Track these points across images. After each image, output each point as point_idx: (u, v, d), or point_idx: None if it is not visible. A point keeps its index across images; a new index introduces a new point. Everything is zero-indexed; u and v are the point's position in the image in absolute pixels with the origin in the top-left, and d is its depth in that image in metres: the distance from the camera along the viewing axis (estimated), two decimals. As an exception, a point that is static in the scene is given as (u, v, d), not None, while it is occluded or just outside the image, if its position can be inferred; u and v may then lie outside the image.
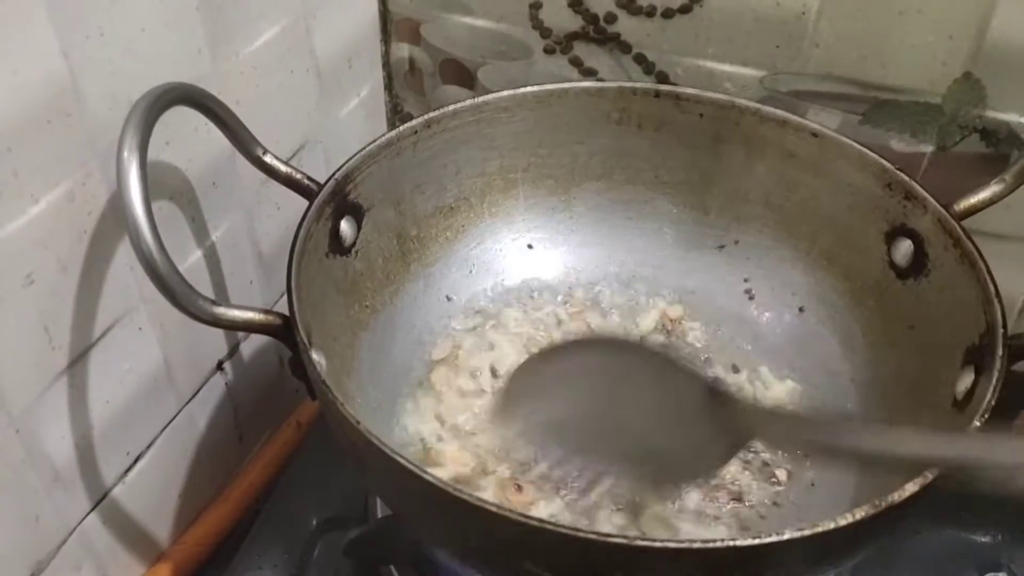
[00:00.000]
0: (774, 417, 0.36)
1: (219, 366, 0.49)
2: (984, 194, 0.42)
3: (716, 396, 0.36)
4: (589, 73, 0.56)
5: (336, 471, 0.50)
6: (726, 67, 0.53)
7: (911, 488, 0.29)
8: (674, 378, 0.37)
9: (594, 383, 0.39)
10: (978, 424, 0.32)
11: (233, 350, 0.50)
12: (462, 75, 0.59)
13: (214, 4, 0.41)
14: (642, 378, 0.38)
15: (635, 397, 0.38)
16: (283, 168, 0.42)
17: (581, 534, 0.28)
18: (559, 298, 0.51)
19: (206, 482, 0.50)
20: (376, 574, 0.43)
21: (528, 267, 0.52)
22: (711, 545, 0.28)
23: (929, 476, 0.30)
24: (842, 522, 0.28)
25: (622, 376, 0.39)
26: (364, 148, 0.44)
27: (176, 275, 0.33)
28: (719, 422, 0.35)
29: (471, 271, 0.50)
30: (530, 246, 0.52)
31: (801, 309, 0.48)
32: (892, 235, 0.44)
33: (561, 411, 0.39)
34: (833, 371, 0.46)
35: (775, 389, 0.46)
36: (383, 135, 0.44)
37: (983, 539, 0.47)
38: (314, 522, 0.48)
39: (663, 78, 0.54)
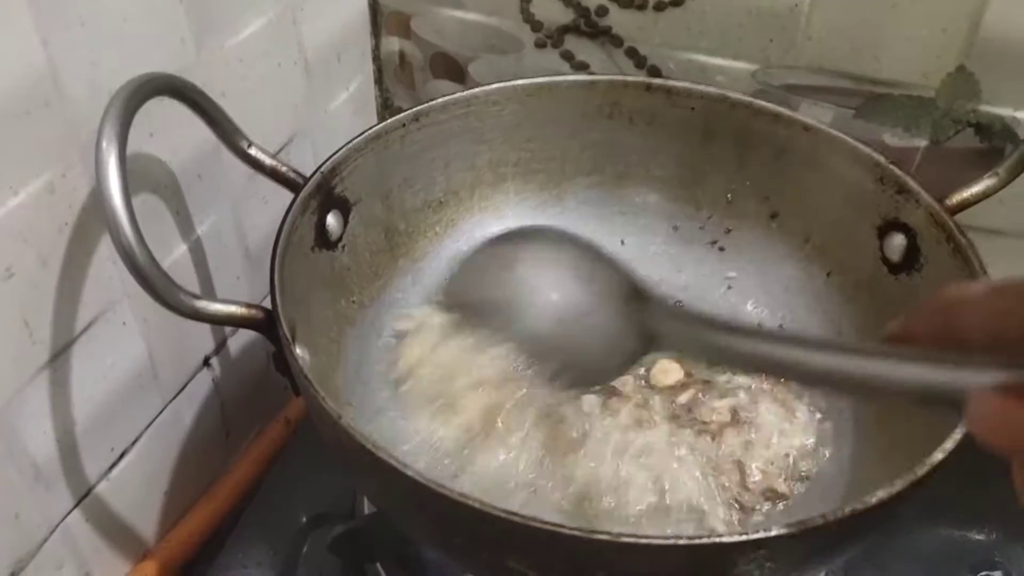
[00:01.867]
0: (683, 318, 0.34)
1: (206, 362, 0.48)
2: (977, 188, 0.41)
3: (637, 293, 0.36)
4: (581, 67, 0.55)
5: (325, 468, 0.49)
6: (718, 61, 0.52)
7: (900, 485, 0.29)
8: (602, 273, 0.38)
9: (526, 274, 0.40)
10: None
11: (220, 346, 0.49)
12: (452, 69, 0.58)
13: (199, -7, 0.41)
14: (572, 272, 0.39)
15: (562, 290, 0.39)
16: (268, 161, 0.41)
17: (565, 531, 0.27)
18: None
19: (192, 479, 0.50)
20: (362, 571, 0.43)
21: (518, 262, 0.51)
22: (697, 541, 0.28)
23: (919, 473, 0.29)
24: (831, 518, 0.28)
25: (554, 268, 0.40)
26: (351, 141, 0.43)
27: (156, 268, 0.33)
28: (634, 321, 0.35)
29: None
30: (520, 241, 0.51)
31: (793, 304, 0.48)
32: (885, 229, 0.43)
33: (493, 298, 0.41)
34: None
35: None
36: (370, 128, 0.44)
37: (977, 537, 0.47)
38: (303, 519, 0.48)
39: (655, 72, 0.54)
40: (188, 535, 0.49)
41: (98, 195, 0.32)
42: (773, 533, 0.27)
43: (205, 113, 0.39)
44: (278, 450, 0.53)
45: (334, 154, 0.42)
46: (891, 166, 0.42)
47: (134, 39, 0.38)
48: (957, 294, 0.24)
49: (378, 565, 0.42)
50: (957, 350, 0.24)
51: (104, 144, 0.32)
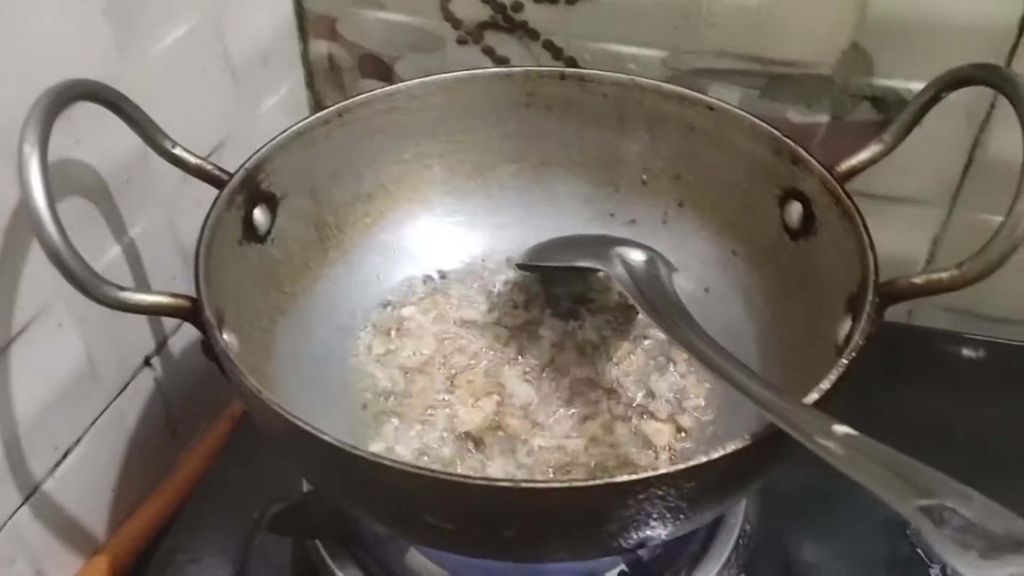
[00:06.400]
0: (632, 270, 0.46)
1: (147, 362, 0.50)
2: (864, 155, 0.44)
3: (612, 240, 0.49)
4: (502, 62, 0.58)
5: (272, 460, 0.50)
6: (631, 49, 0.55)
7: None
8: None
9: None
10: (845, 362, 0.34)
11: (160, 345, 0.51)
12: (380, 69, 0.60)
13: (119, 4, 0.42)
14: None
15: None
16: (193, 160, 0.43)
17: (469, 481, 0.30)
18: (479, 278, 0.53)
19: (140, 476, 0.51)
20: (302, 549, 0.44)
21: (448, 250, 0.53)
22: (591, 483, 0.30)
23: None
24: (714, 455, 0.30)
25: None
26: (275, 138, 0.45)
27: (80, 261, 0.34)
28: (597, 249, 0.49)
29: (391, 256, 0.52)
30: (449, 229, 0.53)
31: (708, 275, 0.50)
32: (784, 199, 0.46)
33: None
34: (737, 331, 0.47)
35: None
36: (293, 125, 0.46)
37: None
38: (253, 512, 0.49)
39: (572, 63, 0.56)
40: (139, 531, 0.50)
41: (22, 196, 0.34)
42: (660, 472, 0.30)
43: (127, 116, 0.40)
44: (226, 445, 0.55)
45: (258, 151, 0.44)
46: (785, 139, 0.45)
47: (57, 49, 0.39)
48: None
49: (317, 542, 0.44)
50: None
51: (26, 149, 0.34)
